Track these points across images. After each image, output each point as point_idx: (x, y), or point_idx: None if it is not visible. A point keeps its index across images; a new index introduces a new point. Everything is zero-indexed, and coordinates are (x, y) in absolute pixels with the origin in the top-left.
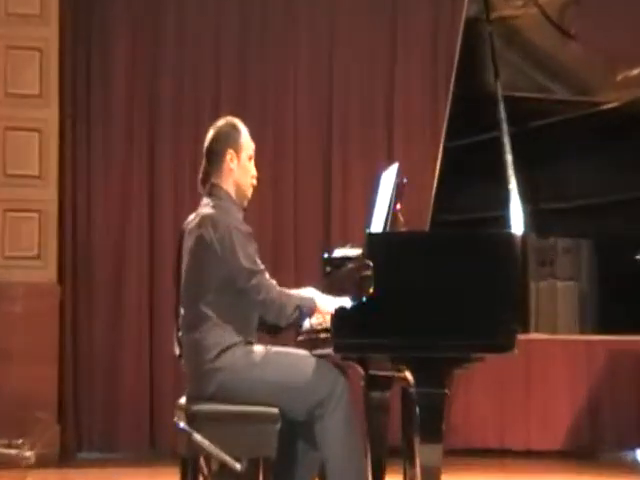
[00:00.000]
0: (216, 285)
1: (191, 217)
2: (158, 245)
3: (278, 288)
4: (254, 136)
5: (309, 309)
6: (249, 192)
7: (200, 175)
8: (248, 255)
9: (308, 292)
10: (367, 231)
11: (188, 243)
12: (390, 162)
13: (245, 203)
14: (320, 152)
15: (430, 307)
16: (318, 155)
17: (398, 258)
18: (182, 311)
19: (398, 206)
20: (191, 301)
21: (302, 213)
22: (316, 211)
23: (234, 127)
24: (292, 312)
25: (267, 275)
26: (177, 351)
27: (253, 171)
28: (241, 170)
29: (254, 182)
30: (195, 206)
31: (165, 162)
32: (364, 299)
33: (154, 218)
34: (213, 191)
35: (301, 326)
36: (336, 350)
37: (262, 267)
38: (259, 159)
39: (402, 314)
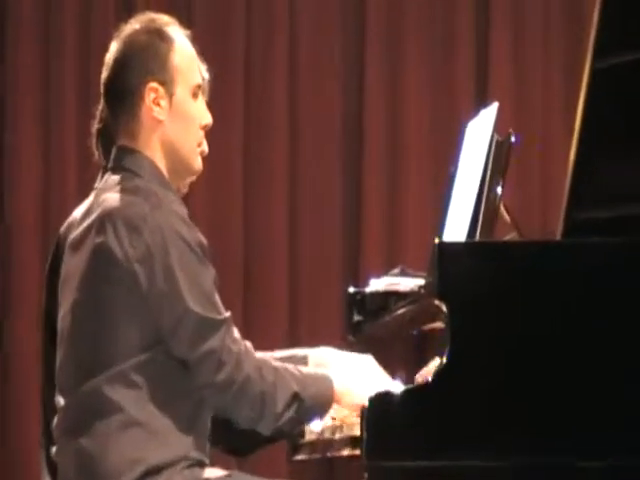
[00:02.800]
0: (133, 348)
1: (77, 212)
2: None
3: (257, 356)
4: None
5: (320, 400)
6: (195, 163)
7: (94, 131)
8: (200, 289)
9: (319, 358)
10: (437, 240)
11: (72, 264)
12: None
13: (186, 186)
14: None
15: (576, 392)
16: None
17: (503, 293)
18: (59, 399)
19: (500, 190)
20: (80, 379)
21: (316, 218)
22: (338, 214)
23: (159, 35)
24: (285, 408)
25: (235, 330)
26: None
27: (205, 118)
28: (178, 120)
29: (205, 147)
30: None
31: None
32: (429, 379)
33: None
34: (123, 162)
35: (302, 434)
36: None
37: (226, 314)
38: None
39: (515, 406)
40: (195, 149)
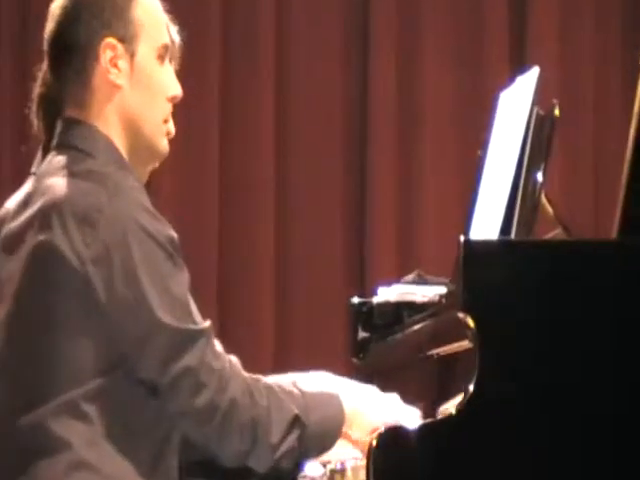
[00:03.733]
0: (86, 373)
1: (11, 203)
2: None
3: (245, 374)
4: None
5: (328, 425)
6: (161, 144)
7: (34, 96)
8: (171, 294)
9: (316, 381)
10: (462, 238)
11: (7, 268)
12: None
13: (147, 174)
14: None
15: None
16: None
17: (546, 304)
18: None
19: (541, 177)
20: (17, 411)
21: (311, 211)
22: (338, 205)
23: None
24: (283, 436)
25: (216, 343)
26: None
27: (173, 89)
28: (141, 87)
29: (171, 126)
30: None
31: None
32: (452, 410)
33: None
34: (72, 138)
35: (299, 469)
36: None
37: (205, 324)
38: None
39: (560, 451)
40: (161, 126)
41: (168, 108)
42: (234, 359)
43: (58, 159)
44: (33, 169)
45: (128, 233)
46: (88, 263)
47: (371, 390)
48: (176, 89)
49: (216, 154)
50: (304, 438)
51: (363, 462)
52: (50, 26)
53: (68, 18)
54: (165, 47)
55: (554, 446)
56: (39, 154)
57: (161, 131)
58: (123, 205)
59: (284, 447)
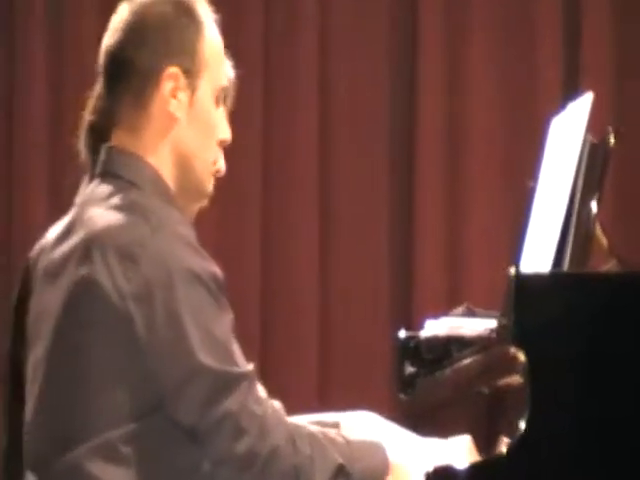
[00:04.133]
0: (124, 415)
1: (53, 233)
2: None
3: (288, 420)
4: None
5: (373, 475)
6: (208, 184)
7: (86, 123)
8: (214, 336)
9: (360, 423)
10: (513, 271)
11: (47, 299)
12: None
13: (194, 213)
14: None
15: None
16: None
17: (601, 339)
18: (29, 476)
19: (595, 207)
20: (54, 451)
21: (355, 242)
22: (383, 235)
23: (188, 12)
24: None
25: (259, 387)
26: None
27: (224, 132)
28: (198, 124)
29: (221, 165)
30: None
31: None
32: (503, 449)
33: None
34: (116, 167)
35: None
36: None
37: (248, 367)
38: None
39: None
40: (210, 167)
41: (217, 151)
42: (277, 404)
43: (101, 188)
44: (77, 199)
45: (171, 270)
46: (129, 299)
47: (413, 437)
48: (226, 133)
49: (259, 171)
50: None
51: None
52: (110, 41)
53: (133, 37)
54: (223, 89)
55: None
56: (84, 183)
57: (210, 171)
58: (167, 240)
59: None
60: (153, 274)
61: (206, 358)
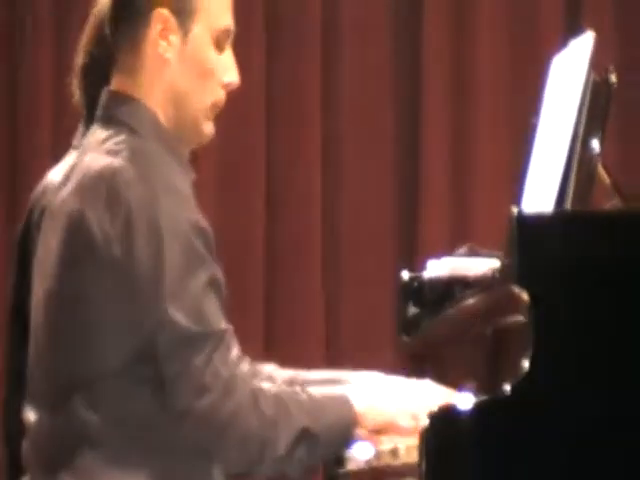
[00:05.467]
0: (125, 360)
1: (54, 175)
2: None
3: (255, 384)
4: None
5: (339, 430)
6: (205, 127)
7: (77, 66)
8: (187, 291)
9: (368, 380)
10: (515, 210)
11: (47, 241)
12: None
13: (190, 147)
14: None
15: None
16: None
17: (603, 277)
18: (29, 413)
19: (598, 145)
20: (56, 394)
21: (359, 181)
22: (387, 175)
23: None
24: (290, 448)
25: (232, 349)
26: None
27: (229, 74)
28: (191, 66)
29: (218, 102)
30: None
31: None
32: (506, 388)
33: None
34: (116, 111)
35: (341, 461)
36: None
37: (220, 326)
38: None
39: (621, 429)
40: (207, 110)
41: (220, 94)
42: (246, 368)
43: (99, 133)
44: (74, 142)
45: (155, 218)
46: (113, 243)
47: (425, 386)
48: (232, 76)
49: (263, 137)
50: (314, 447)
51: (416, 442)
52: None
53: None
54: (226, 31)
55: (612, 425)
56: (80, 126)
57: (207, 115)
58: (155, 188)
59: (291, 459)
60: (136, 220)
61: (174, 311)
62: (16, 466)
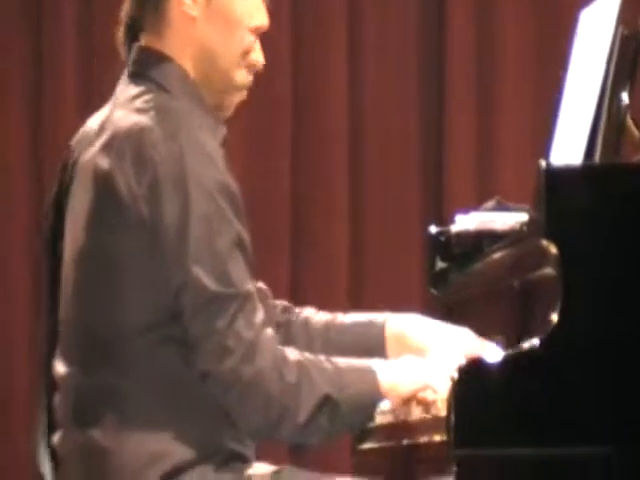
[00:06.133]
0: (154, 318)
1: (92, 123)
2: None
3: (280, 348)
4: None
5: (363, 402)
6: (237, 76)
7: (120, 29)
8: (212, 250)
9: (399, 329)
10: (544, 163)
11: (79, 196)
12: None
13: (231, 105)
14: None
15: None
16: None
17: (633, 229)
18: (59, 365)
19: (626, 98)
20: (86, 350)
21: (384, 136)
22: (412, 130)
23: None
24: (311, 416)
25: (256, 311)
26: (44, 467)
27: (257, 18)
28: (217, 21)
29: (258, 57)
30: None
31: None
32: (535, 342)
33: None
34: (147, 68)
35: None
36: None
37: (245, 287)
38: None
39: None
40: (238, 59)
41: (250, 39)
42: (270, 332)
43: (130, 89)
44: (116, 90)
45: (181, 177)
46: (140, 202)
47: (463, 334)
48: (260, 19)
49: (289, 111)
50: (335, 417)
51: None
52: None
53: None
54: None
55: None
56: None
57: (238, 63)
58: (181, 147)
59: (312, 426)
60: (163, 179)
61: (199, 271)
62: (53, 419)
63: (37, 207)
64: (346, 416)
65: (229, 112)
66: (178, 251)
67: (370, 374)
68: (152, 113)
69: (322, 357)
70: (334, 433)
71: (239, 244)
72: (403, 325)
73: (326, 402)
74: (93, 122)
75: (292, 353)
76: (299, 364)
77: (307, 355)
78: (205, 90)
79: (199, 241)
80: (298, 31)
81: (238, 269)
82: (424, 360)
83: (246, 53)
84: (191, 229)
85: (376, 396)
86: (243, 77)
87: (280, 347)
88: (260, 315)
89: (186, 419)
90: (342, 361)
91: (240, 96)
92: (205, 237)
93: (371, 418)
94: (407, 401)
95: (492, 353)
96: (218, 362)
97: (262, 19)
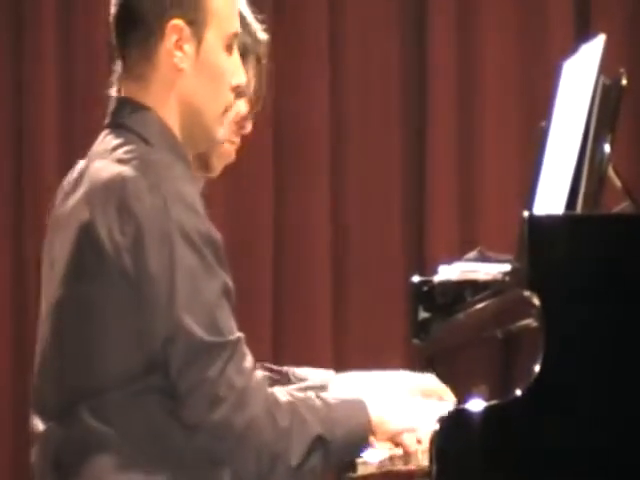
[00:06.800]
0: (131, 370)
1: (67, 182)
2: None
3: (270, 392)
4: None
5: (355, 438)
6: (218, 131)
7: (116, 72)
8: (201, 300)
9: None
10: (526, 213)
11: (57, 248)
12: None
13: (213, 172)
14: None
15: None
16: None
17: (615, 281)
18: (37, 422)
19: (608, 148)
20: (62, 403)
21: (366, 185)
22: (395, 179)
23: None
24: (304, 458)
25: (246, 358)
26: None
27: (237, 77)
28: (205, 74)
29: (229, 106)
30: None
31: None
32: (518, 392)
33: None
34: (125, 118)
35: (354, 467)
36: None
37: (233, 336)
38: None
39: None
40: (220, 115)
41: (230, 97)
42: (260, 376)
43: (109, 140)
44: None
45: (165, 228)
46: (123, 252)
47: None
48: (240, 78)
49: (270, 128)
50: (328, 455)
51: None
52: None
53: None
54: (234, 35)
55: (627, 427)
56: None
57: (220, 121)
58: (164, 198)
59: (305, 468)
60: (147, 230)
61: (189, 320)
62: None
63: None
64: (337, 453)
65: (216, 173)
66: (166, 303)
67: (360, 407)
68: (135, 163)
69: (311, 394)
70: (325, 470)
71: (225, 292)
72: (345, 383)
73: (318, 442)
74: (67, 180)
75: (282, 394)
76: (290, 405)
77: (296, 394)
78: (186, 144)
79: (187, 292)
80: (278, 62)
81: (226, 317)
82: (415, 402)
83: (226, 110)
84: (178, 280)
85: (367, 430)
86: (221, 134)
87: (270, 390)
88: (249, 360)
89: (168, 470)
90: (332, 396)
91: (227, 158)
92: (193, 288)
93: (361, 450)
94: (392, 440)
95: (474, 404)
96: (209, 412)
97: (242, 78)
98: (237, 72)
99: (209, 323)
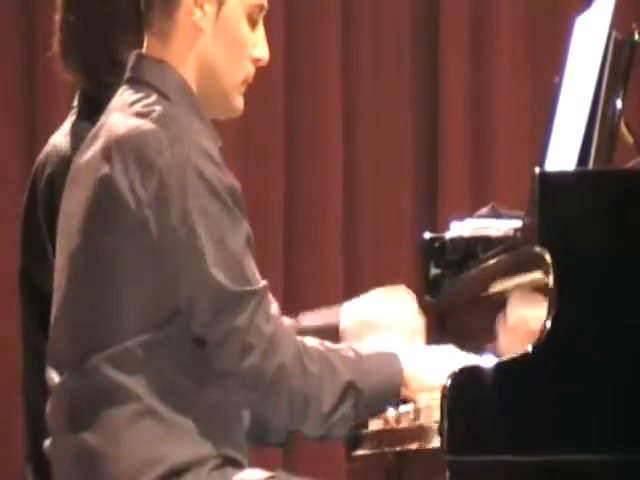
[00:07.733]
0: (146, 321)
1: (56, 139)
2: None
3: (299, 339)
4: None
5: (385, 389)
6: (236, 101)
7: (61, 40)
8: (227, 250)
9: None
10: (538, 170)
11: (74, 201)
12: None
13: (217, 118)
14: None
15: None
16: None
17: (626, 235)
18: (53, 374)
19: (620, 104)
20: (79, 354)
21: (378, 141)
22: (407, 135)
23: None
24: (335, 405)
25: (272, 305)
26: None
27: (259, 50)
28: (225, 39)
29: (248, 77)
30: None
31: None
32: (529, 348)
33: None
34: (145, 73)
35: (365, 423)
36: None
37: (260, 284)
38: None
39: None
40: (239, 84)
41: (250, 68)
42: (288, 323)
43: (127, 94)
44: (74, 103)
45: (187, 180)
46: (145, 206)
47: (434, 350)
48: (262, 51)
49: (281, 116)
50: (359, 404)
51: (437, 402)
52: None
53: None
54: (259, 7)
55: (633, 385)
56: (78, 91)
57: (239, 90)
58: (185, 150)
59: (337, 416)
60: (169, 183)
61: (217, 271)
62: (35, 440)
63: None
64: (369, 402)
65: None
66: (190, 254)
67: (393, 360)
68: (154, 117)
69: (343, 344)
70: (357, 419)
71: (249, 241)
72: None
73: (349, 390)
74: (58, 137)
75: (311, 342)
76: (320, 354)
77: (327, 344)
78: (204, 107)
79: (213, 243)
80: (290, 67)
81: (251, 266)
82: (445, 353)
83: (245, 81)
84: (203, 232)
85: (399, 382)
86: (240, 103)
87: (299, 337)
88: (275, 307)
89: (181, 423)
90: (364, 347)
91: (224, 118)
92: (219, 238)
93: (393, 404)
94: (423, 390)
95: (485, 361)
96: (241, 360)
97: (265, 52)
98: (259, 45)
99: (236, 273)
